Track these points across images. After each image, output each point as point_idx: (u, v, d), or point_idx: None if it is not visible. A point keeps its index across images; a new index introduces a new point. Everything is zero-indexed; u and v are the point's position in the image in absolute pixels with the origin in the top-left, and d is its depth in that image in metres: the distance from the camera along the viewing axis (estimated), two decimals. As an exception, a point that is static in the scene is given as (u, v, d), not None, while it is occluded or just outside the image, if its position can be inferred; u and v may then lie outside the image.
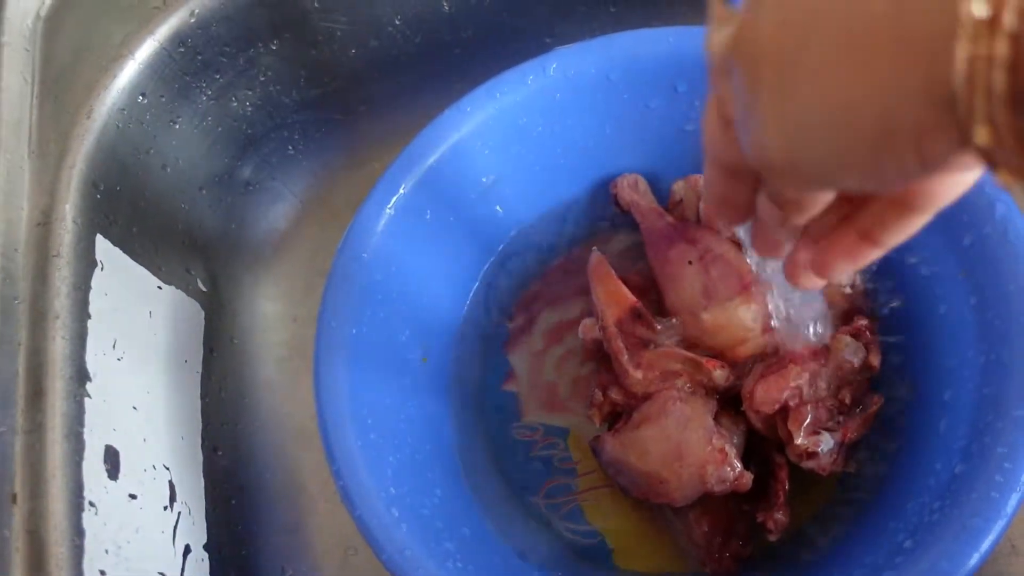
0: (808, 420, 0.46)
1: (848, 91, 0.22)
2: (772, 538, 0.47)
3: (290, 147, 0.67)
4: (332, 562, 0.56)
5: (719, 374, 0.48)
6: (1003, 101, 0.18)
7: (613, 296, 0.51)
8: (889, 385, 0.49)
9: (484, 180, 0.56)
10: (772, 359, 0.48)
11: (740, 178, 0.31)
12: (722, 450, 0.47)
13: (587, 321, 0.53)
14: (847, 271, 0.32)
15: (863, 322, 0.49)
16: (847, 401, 0.48)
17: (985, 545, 0.39)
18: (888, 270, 0.51)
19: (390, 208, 0.52)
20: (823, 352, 0.48)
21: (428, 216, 0.54)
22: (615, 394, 0.50)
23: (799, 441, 0.46)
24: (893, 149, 0.22)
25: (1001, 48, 0.18)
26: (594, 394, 0.52)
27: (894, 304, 0.50)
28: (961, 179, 0.28)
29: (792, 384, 0.47)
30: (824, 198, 0.29)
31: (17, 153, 0.52)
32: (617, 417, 0.51)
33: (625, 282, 0.52)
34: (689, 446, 0.47)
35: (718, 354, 0.48)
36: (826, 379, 0.48)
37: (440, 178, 0.53)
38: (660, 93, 0.55)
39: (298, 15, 0.61)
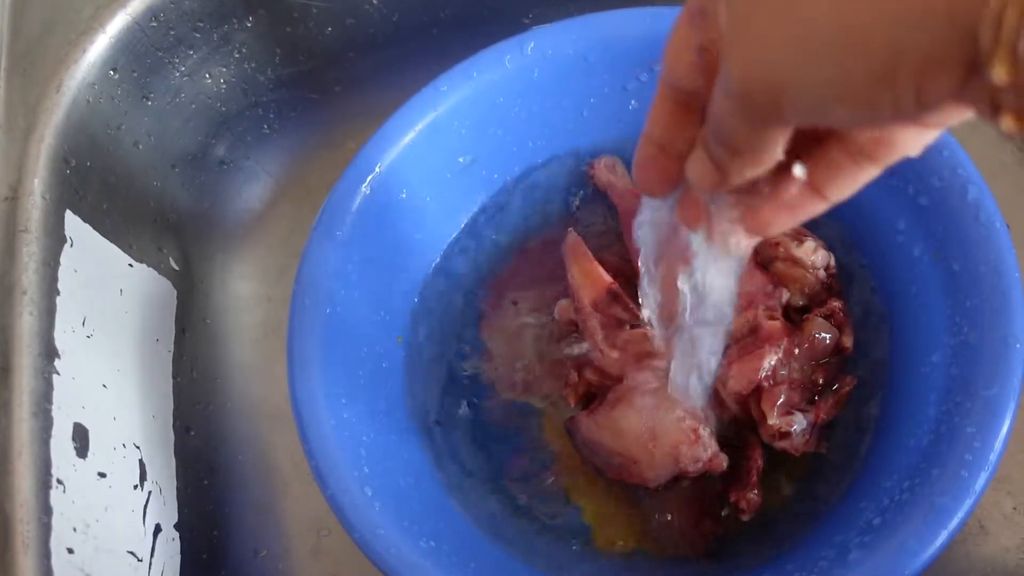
0: (781, 400, 0.46)
1: (861, 13, 0.20)
2: (745, 518, 0.47)
3: (265, 126, 0.66)
4: (304, 543, 0.56)
5: None
6: None
7: (589, 276, 0.51)
8: (860, 366, 0.49)
9: (461, 160, 0.56)
10: (746, 340, 0.48)
11: (688, 118, 0.30)
12: (695, 430, 0.47)
13: (563, 302, 0.53)
14: (785, 227, 0.30)
15: (836, 304, 0.49)
16: (820, 382, 0.48)
17: (953, 523, 0.39)
18: (861, 251, 0.51)
19: (366, 187, 0.51)
20: (796, 333, 0.48)
21: (404, 195, 0.53)
22: (590, 374, 0.50)
23: (772, 421, 0.46)
24: (896, 81, 0.21)
25: None
26: (569, 374, 0.52)
27: (866, 285, 0.50)
28: (926, 135, 0.27)
29: (766, 365, 0.47)
30: (779, 145, 0.27)
31: (-15, 126, 0.51)
32: (592, 398, 0.51)
33: (601, 263, 0.52)
34: (663, 426, 0.47)
35: None
36: (799, 360, 0.48)
37: (416, 157, 0.53)
38: (637, 74, 0.55)
39: (273, -9, 0.60)
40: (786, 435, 0.46)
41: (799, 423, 0.46)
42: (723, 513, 0.49)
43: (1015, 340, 0.41)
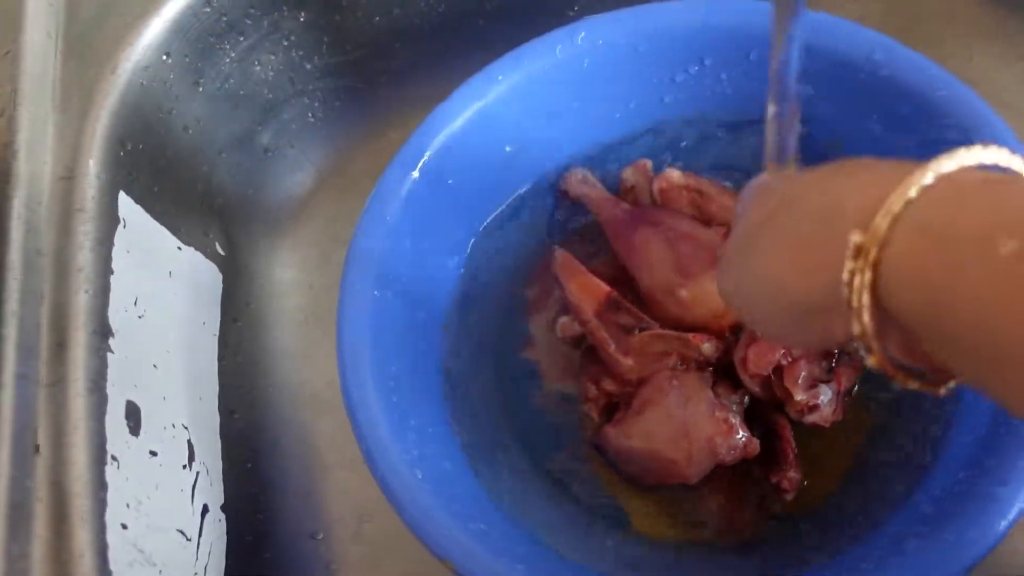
0: (803, 375, 0.47)
1: (781, 275, 0.29)
2: (788, 497, 0.48)
3: (310, 114, 0.67)
4: (346, 529, 0.56)
5: (708, 347, 0.48)
6: (867, 308, 0.25)
7: (587, 289, 0.51)
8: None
9: (508, 149, 0.56)
10: None
11: None
12: (726, 420, 0.47)
13: (563, 320, 0.53)
14: None
15: None
16: (835, 351, 0.49)
17: (1013, 512, 0.39)
18: None
19: (415, 172, 0.51)
20: None
21: (451, 182, 0.53)
22: (609, 385, 0.50)
23: (799, 397, 0.47)
24: (806, 324, 0.29)
25: (866, 270, 0.24)
26: (587, 388, 0.51)
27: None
28: None
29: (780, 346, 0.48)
30: None
31: (41, 107, 0.52)
32: (614, 408, 0.51)
33: (594, 273, 0.52)
34: (694, 422, 0.47)
35: (701, 328, 0.49)
36: None
37: (464, 145, 0.53)
38: (687, 66, 0.55)
39: (324, -21, 0.61)
40: (814, 408, 0.47)
41: (824, 394, 0.47)
42: (764, 497, 0.49)
43: None
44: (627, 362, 0.49)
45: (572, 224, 0.58)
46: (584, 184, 0.56)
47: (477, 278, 0.55)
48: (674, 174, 0.55)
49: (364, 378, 0.47)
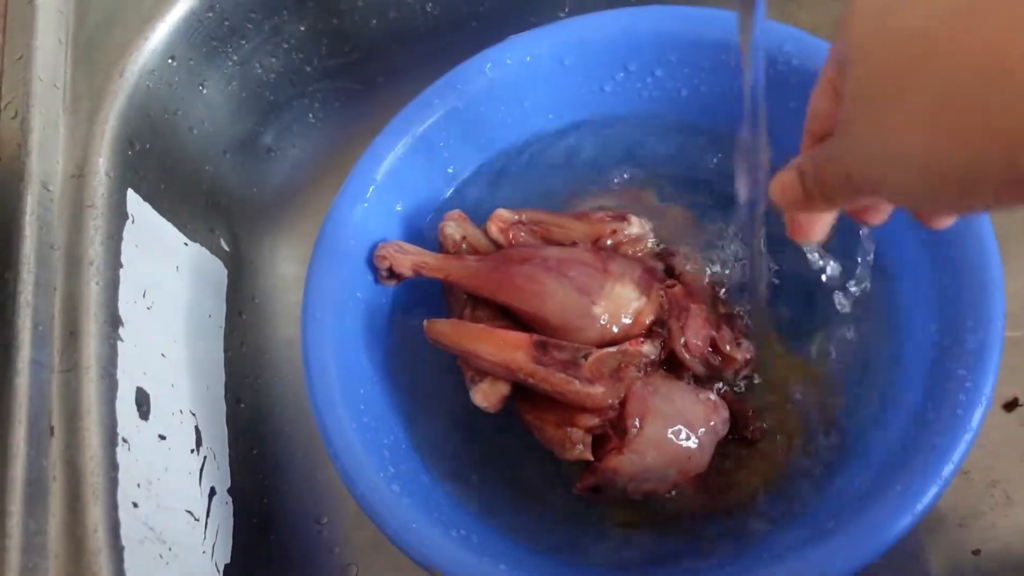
0: (729, 337, 0.51)
1: (942, 146, 0.25)
2: (758, 442, 0.51)
3: (310, 115, 0.69)
4: (349, 515, 0.58)
5: (648, 348, 0.49)
6: None
7: (505, 343, 0.49)
8: (863, 327, 0.52)
9: (450, 170, 0.59)
10: (674, 310, 0.51)
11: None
12: (709, 400, 0.49)
13: (481, 388, 0.49)
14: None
15: (672, 254, 0.54)
16: (723, 310, 0.53)
17: (955, 458, 0.42)
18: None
19: (365, 203, 0.54)
20: (688, 288, 0.52)
21: (399, 208, 0.56)
22: (588, 420, 0.48)
23: (739, 356, 0.50)
24: (976, 194, 0.26)
25: None
26: (569, 435, 0.48)
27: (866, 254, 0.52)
28: None
29: (704, 316, 0.51)
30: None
31: (52, 109, 0.54)
32: (601, 440, 0.49)
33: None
34: (693, 413, 0.48)
35: (624, 337, 0.50)
36: (707, 304, 0.52)
37: (408, 169, 0.56)
38: (614, 74, 0.57)
39: (322, -16, 0.63)
40: (749, 361, 0.51)
41: (748, 345, 0.51)
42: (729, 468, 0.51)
43: (994, 286, 0.45)
44: (598, 391, 0.47)
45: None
46: (404, 254, 0.53)
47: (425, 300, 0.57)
48: (503, 212, 0.54)
49: (333, 401, 0.49)
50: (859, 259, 0.52)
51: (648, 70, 0.57)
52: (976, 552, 0.52)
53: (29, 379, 0.45)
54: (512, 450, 0.52)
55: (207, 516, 0.52)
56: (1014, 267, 0.53)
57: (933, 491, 0.41)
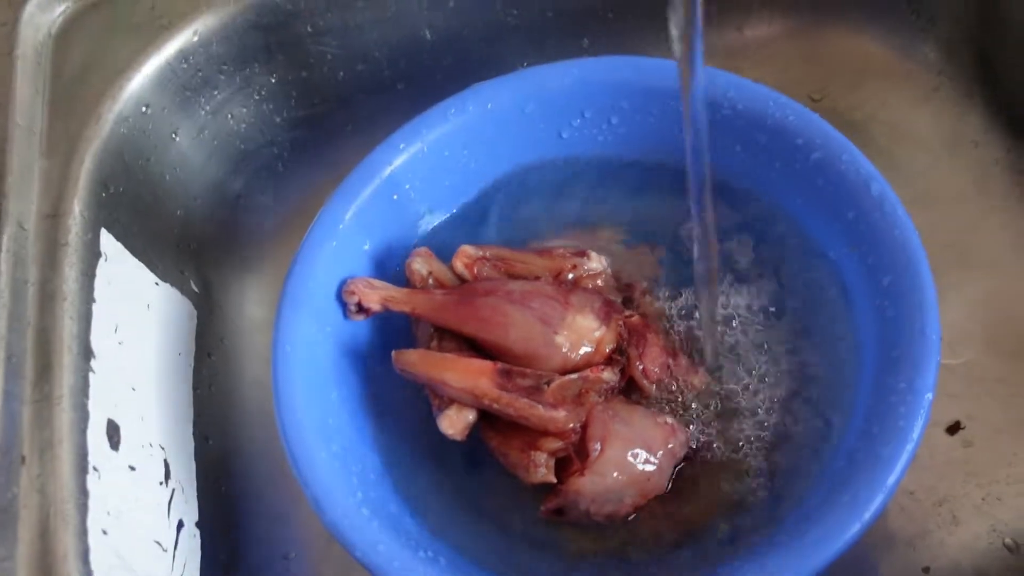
0: (685, 362, 0.54)
1: None
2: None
3: (279, 164, 0.71)
4: (316, 550, 0.59)
5: (608, 375, 0.51)
6: None
7: (469, 371, 0.51)
8: (807, 349, 0.54)
9: (416, 210, 0.61)
10: (632, 339, 0.53)
11: None
12: (667, 423, 0.51)
13: (447, 415, 0.51)
14: None
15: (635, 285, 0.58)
16: (677, 340, 0.56)
17: (898, 468, 0.44)
18: (803, 259, 0.57)
19: (335, 241, 0.56)
20: (647, 315, 0.56)
21: (366, 248, 0.58)
22: (551, 444, 0.50)
23: (695, 380, 0.53)
24: None
25: None
26: (532, 459, 0.50)
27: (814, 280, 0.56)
28: None
29: (660, 344, 0.54)
30: None
31: (28, 154, 0.56)
32: (564, 463, 0.51)
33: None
34: (652, 436, 0.50)
35: (585, 364, 0.51)
36: (662, 334, 0.55)
37: (376, 210, 0.58)
38: (571, 120, 0.61)
39: (293, 38, 0.66)
40: (704, 387, 0.54)
41: (703, 372, 0.54)
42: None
43: (929, 306, 0.48)
44: (561, 415, 0.49)
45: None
46: (374, 291, 0.55)
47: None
48: (468, 249, 0.56)
49: (303, 428, 0.50)
50: (798, 287, 0.56)
51: (604, 117, 0.60)
52: (926, 570, 0.54)
53: (1, 409, 0.46)
54: (478, 477, 0.54)
55: (175, 548, 0.52)
56: (949, 297, 0.56)
57: (879, 499, 0.43)
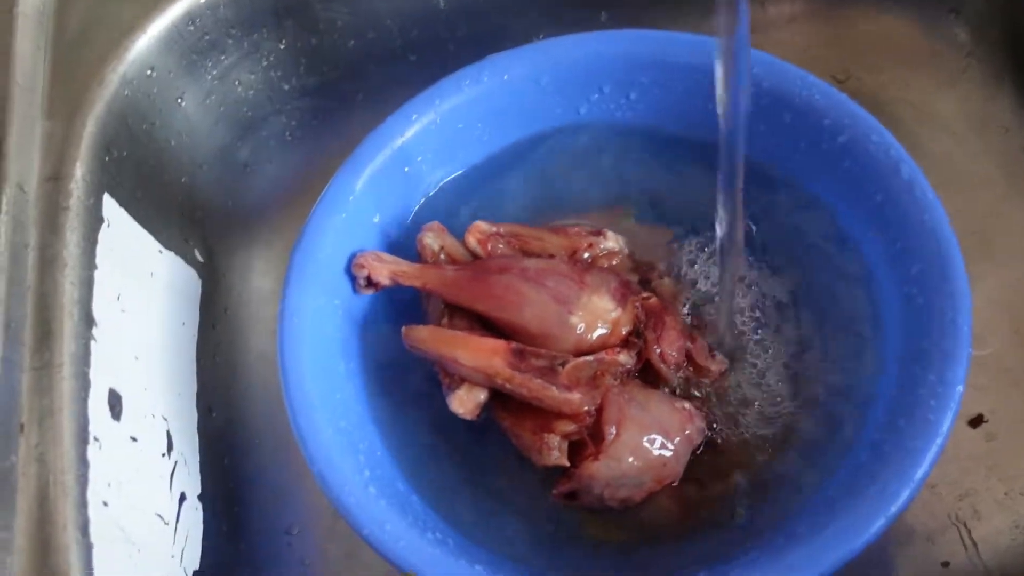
0: (705, 348, 0.52)
1: None
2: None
3: (287, 132, 0.69)
4: (320, 527, 0.57)
5: (624, 358, 0.50)
6: None
7: (482, 349, 0.49)
8: (831, 343, 0.53)
9: (428, 183, 0.59)
10: (650, 322, 0.52)
11: None
12: (685, 408, 0.50)
13: (458, 394, 0.50)
14: None
15: (652, 266, 0.56)
16: (693, 320, 0.54)
17: (926, 462, 0.43)
18: (833, 242, 0.55)
19: (344, 213, 0.54)
20: (664, 297, 0.54)
21: (376, 220, 0.57)
22: (566, 426, 0.49)
23: (713, 367, 0.52)
24: None
25: None
26: (545, 441, 0.49)
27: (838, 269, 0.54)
28: None
29: (679, 327, 0.52)
30: None
31: (29, 113, 0.54)
32: (578, 447, 0.50)
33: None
34: (669, 421, 0.49)
35: (601, 346, 0.50)
36: (680, 316, 0.54)
37: (387, 182, 0.56)
38: (588, 95, 0.59)
39: (302, 4, 0.64)
40: (724, 373, 0.52)
41: (722, 357, 0.53)
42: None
43: (960, 295, 0.46)
44: (575, 397, 0.48)
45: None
46: (392, 264, 0.54)
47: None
48: (482, 224, 0.55)
49: (311, 404, 0.48)
50: (821, 271, 0.54)
51: (622, 91, 0.59)
52: (945, 564, 0.52)
53: (0, 376, 0.45)
54: (488, 457, 0.52)
55: (177, 521, 0.51)
56: (973, 286, 0.54)
57: (906, 494, 0.42)
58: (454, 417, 0.50)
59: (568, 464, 0.48)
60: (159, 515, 0.49)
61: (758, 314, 0.54)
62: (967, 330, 0.45)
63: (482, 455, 0.52)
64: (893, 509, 0.42)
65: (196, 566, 0.51)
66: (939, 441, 0.43)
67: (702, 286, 0.55)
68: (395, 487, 0.49)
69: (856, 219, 0.53)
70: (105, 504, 0.44)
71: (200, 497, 0.54)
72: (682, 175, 0.59)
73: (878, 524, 0.42)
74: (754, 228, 0.56)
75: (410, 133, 0.57)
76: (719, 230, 0.49)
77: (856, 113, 0.53)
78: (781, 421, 0.50)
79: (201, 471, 0.55)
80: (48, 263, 0.49)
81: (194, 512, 0.53)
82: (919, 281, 0.48)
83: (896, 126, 0.65)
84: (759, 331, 0.53)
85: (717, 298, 0.54)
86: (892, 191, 0.50)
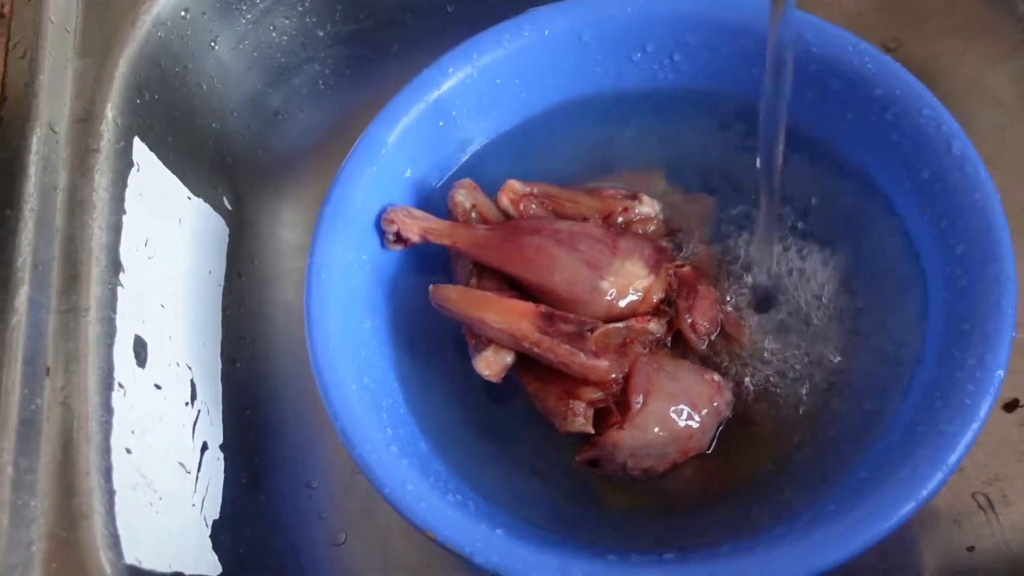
0: (737, 319, 0.51)
1: None
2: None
3: (320, 81, 0.68)
4: (339, 481, 0.57)
5: (654, 326, 0.49)
6: None
7: (511, 311, 0.48)
8: (868, 323, 0.51)
9: (462, 139, 0.58)
10: (682, 290, 0.51)
11: None
12: (714, 380, 0.49)
13: (484, 355, 0.49)
14: None
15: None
16: (730, 293, 0.53)
17: (960, 447, 0.42)
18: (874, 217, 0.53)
19: (375, 166, 0.53)
20: (699, 266, 0.53)
21: (408, 174, 0.56)
22: (591, 393, 0.48)
23: (745, 339, 0.50)
24: None
25: None
26: (571, 407, 0.48)
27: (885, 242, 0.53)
28: None
29: (712, 299, 0.51)
30: None
31: (62, 52, 0.54)
32: (603, 414, 0.49)
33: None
34: (697, 392, 0.48)
35: (631, 313, 0.49)
36: (712, 285, 0.52)
37: (420, 135, 0.55)
38: (631, 54, 0.57)
39: (340, -53, 0.62)
40: (754, 345, 0.51)
41: (755, 329, 0.51)
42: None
43: (1007, 278, 0.45)
44: (603, 364, 0.47)
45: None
46: (422, 220, 0.53)
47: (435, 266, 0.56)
48: (515, 183, 0.54)
49: (335, 359, 0.48)
50: (861, 246, 0.53)
51: (666, 52, 0.57)
52: (970, 548, 0.52)
53: (27, 317, 0.44)
54: (510, 421, 0.52)
55: (199, 470, 0.51)
56: (1019, 270, 0.53)
57: (938, 478, 0.41)
58: (479, 378, 0.49)
59: (592, 431, 0.48)
60: (181, 464, 0.49)
61: (795, 286, 0.52)
62: (1012, 314, 0.44)
63: (505, 418, 0.52)
64: (924, 493, 0.41)
65: (216, 515, 0.51)
66: (975, 426, 0.42)
67: (739, 255, 0.54)
68: (417, 446, 0.49)
69: (901, 194, 0.51)
70: (128, 451, 0.44)
71: (222, 447, 0.54)
72: (723, 141, 0.57)
73: (908, 507, 0.41)
74: (795, 199, 0.54)
75: (446, 86, 0.55)
76: (763, 201, 0.48)
77: (909, 84, 0.51)
78: (813, 397, 0.49)
79: (224, 421, 0.55)
80: (77, 206, 0.49)
81: (216, 462, 0.53)
82: (963, 261, 0.47)
83: (947, 99, 0.63)
84: (796, 303, 0.52)
85: (754, 267, 0.53)
86: (942, 167, 0.49)
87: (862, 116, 0.52)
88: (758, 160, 0.47)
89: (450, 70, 0.55)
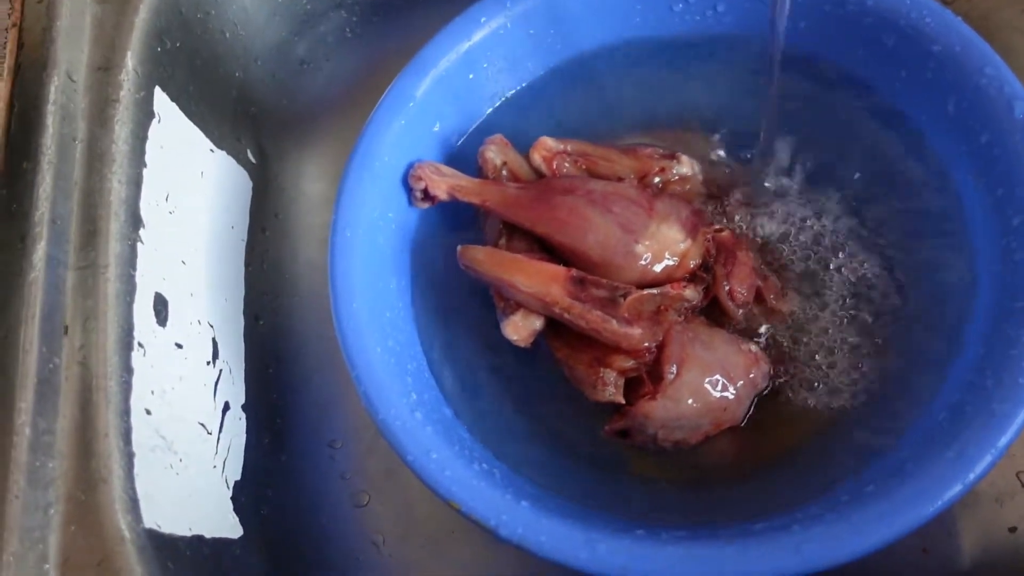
0: (776, 287, 0.49)
1: None
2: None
3: (347, 29, 0.66)
4: (361, 442, 0.56)
5: (690, 292, 0.47)
6: None
7: (541, 274, 0.47)
8: (914, 295, 0.49)
9: (493, 93, 0.56)
10: (720, 256, 0.49)
11: None
12: (751, 351, 0.47)
13: (513, 320, 0.47)
14: None
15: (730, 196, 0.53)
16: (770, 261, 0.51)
17: (1013, 427, 0.39)
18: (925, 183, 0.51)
19: (402, 119, 0.51)
20: (737, 236, 0.51)
21: (437, 128, 0.54)
22: (623, 362, 0.46)
23: (784, 308, 0.49)
24: None
25: None
26: (601, 376, 0.46)
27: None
28: None
29: (751, 266, 0.49)
30: None
31: (80, -2, 0.52)
32: (634, 384, 0.47)
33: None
34: (732, 363, 0.47)
35: (665, 278, 0.48)
36: (751, 253, 0.51)
37: (450, 89, 0.53)
38: (672, 3, 0.54)
39: None
40: (792, 312, 0.49)
41: (794, 298, 0.50)
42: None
43: None
44: (636, 332, 0.45)
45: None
46: (450, 177, 0.51)
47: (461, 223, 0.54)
48: (548, 141, 0.52)
49: (359, 323, 0.46)
50: (910, 212, 0.50)
51: (710, 1, 0.54)
52: (1012, 529, 0.50)
53: (44, 274, 0.43)
54: (537, 388, 0.50)
55: (220, 430, 0.50)
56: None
57: (988, 460, 0.39)
58: (506, 343, 0.48)
59: (623, 401, 0.46)
60: (202, 424, 0.48)
61: (841, 256, 0.50)
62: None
63: (532, 385, 0.51)
64: (971, 476, 0.39)
65: (238, 476, 0.51)
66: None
67: (780, 218, 0.52)
68: (442, 412, 0.48)
69: (956, 159, 0.49)
70: (148, 412, 0.43)
71: (244, 407, 0.53)
72: (768, 98, 0.54)
73: (954, 491, 0.39)
74: (841, 159, 0.52)
75: (478, 37, 0.53)
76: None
77: (970, 40, 0.48)
78: (854, 371, 0.47)
79: (246, 381, 0.54)
80: (96, 158, 0.47)
81: (237, 422, 0.52)
82: (1020, 233, 0.44)
83: (1007, 56, 0.60)
84: (841, 271, 0.50)
85: (794, 230, 0.51)
86: (1002, 131, 0.46)
87: (917, 73, 0.50)
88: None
89: (482, 19, 0.53)
